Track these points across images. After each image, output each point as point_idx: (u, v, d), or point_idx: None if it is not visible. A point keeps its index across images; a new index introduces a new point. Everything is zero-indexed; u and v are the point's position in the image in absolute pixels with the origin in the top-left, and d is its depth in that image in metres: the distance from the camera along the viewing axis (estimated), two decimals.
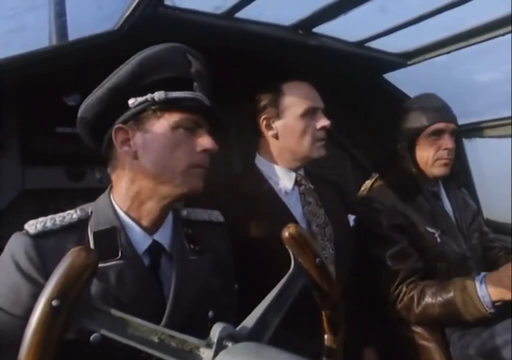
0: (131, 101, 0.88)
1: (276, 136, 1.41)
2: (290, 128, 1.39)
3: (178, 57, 0.93)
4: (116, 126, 0.90)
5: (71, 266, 0.57)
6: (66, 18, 1.63)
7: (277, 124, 1.40)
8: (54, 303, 0.55)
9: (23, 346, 0.55)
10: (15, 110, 1.51)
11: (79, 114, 0.93)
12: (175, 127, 0.89)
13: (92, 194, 0.98)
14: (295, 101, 1.38)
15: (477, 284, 1.31)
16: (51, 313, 0.55)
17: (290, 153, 1.40)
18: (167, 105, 0.89)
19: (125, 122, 0.90)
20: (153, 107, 0.88)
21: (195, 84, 0.93)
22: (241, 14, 1.52)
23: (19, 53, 1.27)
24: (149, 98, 0.88)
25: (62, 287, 0.56)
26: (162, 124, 0.89)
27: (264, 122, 1.42)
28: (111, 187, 0.97)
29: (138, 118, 0.89)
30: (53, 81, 1.41)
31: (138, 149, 0.90)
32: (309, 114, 1.37)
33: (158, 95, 0.88)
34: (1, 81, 1.26)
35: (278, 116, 1.40)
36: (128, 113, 0.89)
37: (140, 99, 0.88)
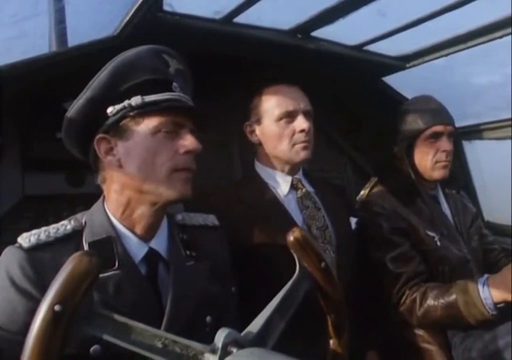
0: (109, 110, 0.87)
1: (259, 142, 1.42)
2: (268, 133, 1.38)
3: (153, 58, 0.91)
4: (98, 136, 0.89)
5: (72, 272, 0.57)
6: (66, 24, 1.63)
7: (258, 130, 1.41)
8: (56, 308, 0.55)
9: (24, 355, 0.55)
10: (15, 116, 1.51)
11: (63, 129, 0.92)
12: (155, 131, 0.88)
13: (92, 200, 0.97)
14: (271, 105, 1.37)
15: (480, 286, 1.31)
16: (53, 319, 0.55)
17: (275, 158, 1.40)
18: (145, 110, 0.87)
19: (106, 131, 0.89)
20: (131, 114, 0.87)
21: (174, 84, 0.91)
22: (240, 19, 1.52)
23: (20, 60, 1.27)
24: (126, 105, 0.87)
25: (64, 293, 0.56)
26: (142, 129, 0.88)
27: (248, 128, 1.43)
28: (104, 196, 0.96)
29: (119, 126, 0.88)
30: (53, 87, 1.41)
31: (121, 157, 0.89)
32: (286, 118, 1.35)
33: (135, 100, 0.86)
34: (1, 88, 1.26)
35: (258, 122, 1.40)
36: (108, 122, 0.88)
37: (118, 107, 0.87)
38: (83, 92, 0.89)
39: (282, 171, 1.41)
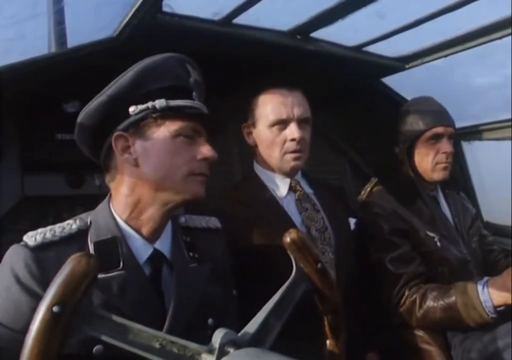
0: (131, 109, 0.89)
1: (255, 145, 1.42)
2: (261, 138, 1.39)
3: (178, 66, 0.94)
4: (117, 133, 0.90)
5: (71, 273, 0.57)
6: (65, 26, 1.64)
7: (254, 133, 1.41)
8: (55, 308, 0.55)
9: (23, 354, 0.55)
10: (15, 116, 1.51)
11: (78, 122, 0.93)
12: (175, 135, 0.90)
13: (91, 201, 0.98)
14: (266, 111, 1.36)
15: (479, 289, 1.30)
16: (52, 320, 0.55)
17: (270, 163, 1.40)
18: (168, 113, 0.90)
19: (125, 129, 0.90)
20: (154, 115, 0.89)
21: (194, 93, 0.95)
22: (239, 20, 1.52)
23: (19, 61, 1.27)
24: (150, 106, 0.89)
25: (62, 294, 0.56)
26: (162, 132, 0.90)
27: (245, 129, 1.44)
28: (110, 195, 0.96)
29: (139, 126, 0.90)
30: (53, 88, 1.41)
31: (138, 156, 0.90)
32: (278, 125, 1.34)
33: (159, 103, 0.89)
34: (1, 88, 1.26)
35: (254, 125, 1.40)
36: (128, 121, 0.90)
37: (141, 107, 0.89)
38: (106, 89, 0.90)
39: (281, 173, 1.41)
